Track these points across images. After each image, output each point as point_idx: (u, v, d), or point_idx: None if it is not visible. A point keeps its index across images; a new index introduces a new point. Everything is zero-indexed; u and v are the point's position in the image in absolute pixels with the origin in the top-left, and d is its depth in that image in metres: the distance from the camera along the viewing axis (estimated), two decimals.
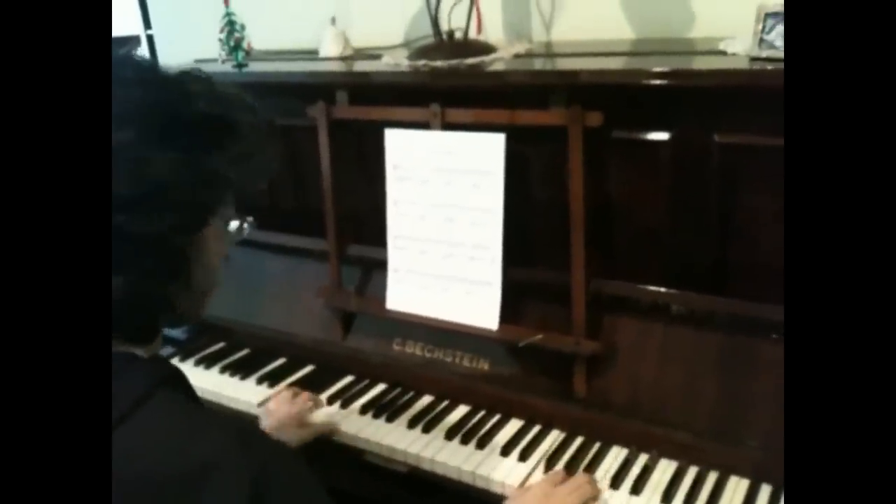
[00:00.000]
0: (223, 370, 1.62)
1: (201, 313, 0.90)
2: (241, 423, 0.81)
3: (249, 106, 0.85)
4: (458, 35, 1.54)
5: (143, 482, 0.69)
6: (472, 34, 1.56)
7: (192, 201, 0.77)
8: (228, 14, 1.71)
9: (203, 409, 0.82)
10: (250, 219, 0.91)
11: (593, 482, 1.16)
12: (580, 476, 1.17)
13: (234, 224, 0.89)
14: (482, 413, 1.39)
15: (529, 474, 1.22)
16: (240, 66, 1.72)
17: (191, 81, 0.80)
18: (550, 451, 1.26)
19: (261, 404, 1.46)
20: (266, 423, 1.35)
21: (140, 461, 0.69)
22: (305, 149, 1.62)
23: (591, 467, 1.22)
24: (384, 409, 1.42)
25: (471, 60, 1.46)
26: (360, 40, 1.83)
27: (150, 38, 2.50)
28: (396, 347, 1.52)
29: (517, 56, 1.52)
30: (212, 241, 0.84)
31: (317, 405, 1.44)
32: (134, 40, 2.50)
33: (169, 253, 0.77)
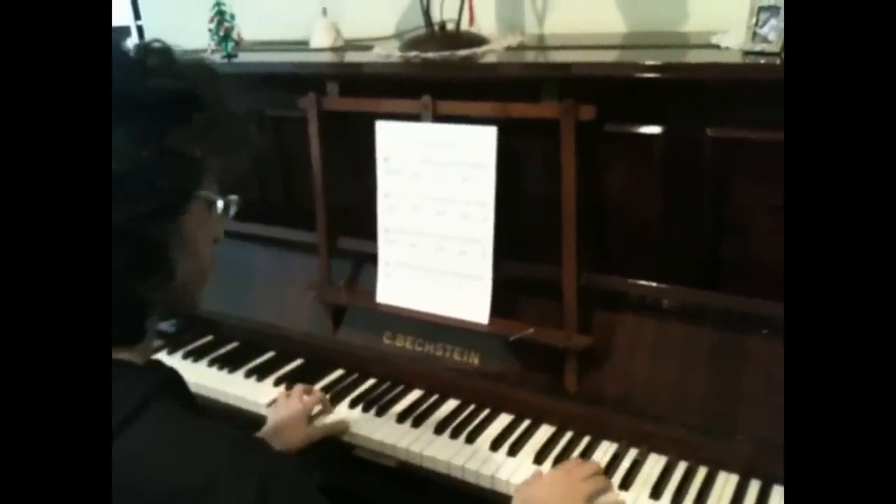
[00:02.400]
0: (211, 363, 1.60)
1: (196, 303, 0.86)
2: (235, 437, 0.75)
3: (212, 74, 0.80)
4: (451, 27, 1.52)
5: (133, 501, 0.67)
6: (465, 26, 1.55)
7: (160, 187, 0.72)
8: (218, 3, 1.69)
9: (198, 421, 0.77)
10: (235, 197, 0.85)
11: (601, 471, 1.17)
12: (593, 464, 1.17)
13: (219, 205, 0.83)
14: (472, 407, 1.38)
15: (519, 468, 1.22)
16: (229, 56, 1.70)
17: (147, 56, 0.75)
18: (540, 446, 1.26)
19: (269, 404, 1.41)
20: (271, 420, 1.32)
21: (130, 481, 0.67)
22: (295, 140, 1.60)
23: None
24: (374, 403, 1.41)
25: (463, 52, 1.45)
26: (352, 31, 1.81)
27: (139, 29, 2.48)
28: (387, 341, 1.51)
29: (509, 48, 1.51)
30: (195, 227, 0.79)
31: (325, 410, 1.39)
32: (124, 31, 2.48)
33: (143, 244, 0.72)
